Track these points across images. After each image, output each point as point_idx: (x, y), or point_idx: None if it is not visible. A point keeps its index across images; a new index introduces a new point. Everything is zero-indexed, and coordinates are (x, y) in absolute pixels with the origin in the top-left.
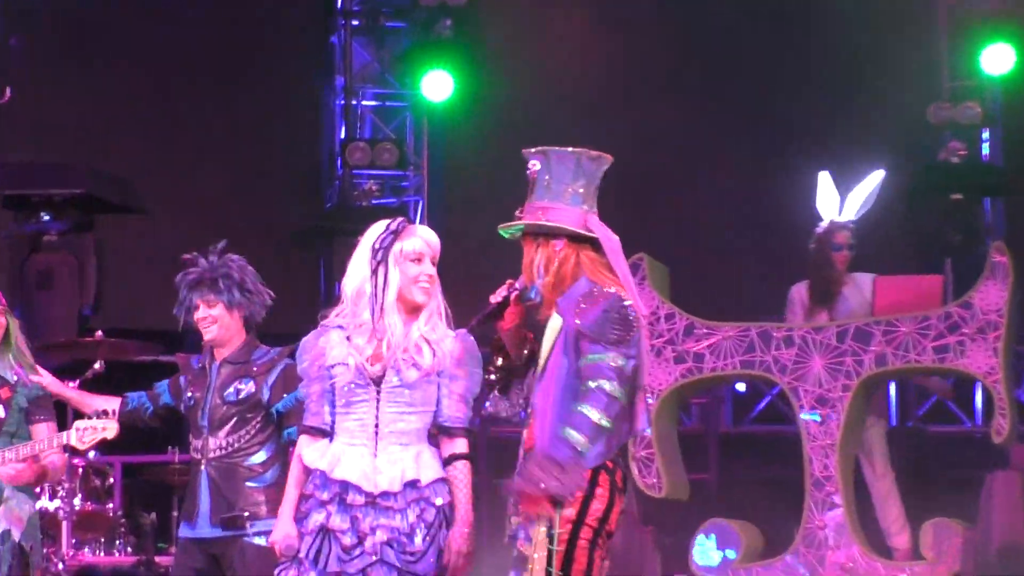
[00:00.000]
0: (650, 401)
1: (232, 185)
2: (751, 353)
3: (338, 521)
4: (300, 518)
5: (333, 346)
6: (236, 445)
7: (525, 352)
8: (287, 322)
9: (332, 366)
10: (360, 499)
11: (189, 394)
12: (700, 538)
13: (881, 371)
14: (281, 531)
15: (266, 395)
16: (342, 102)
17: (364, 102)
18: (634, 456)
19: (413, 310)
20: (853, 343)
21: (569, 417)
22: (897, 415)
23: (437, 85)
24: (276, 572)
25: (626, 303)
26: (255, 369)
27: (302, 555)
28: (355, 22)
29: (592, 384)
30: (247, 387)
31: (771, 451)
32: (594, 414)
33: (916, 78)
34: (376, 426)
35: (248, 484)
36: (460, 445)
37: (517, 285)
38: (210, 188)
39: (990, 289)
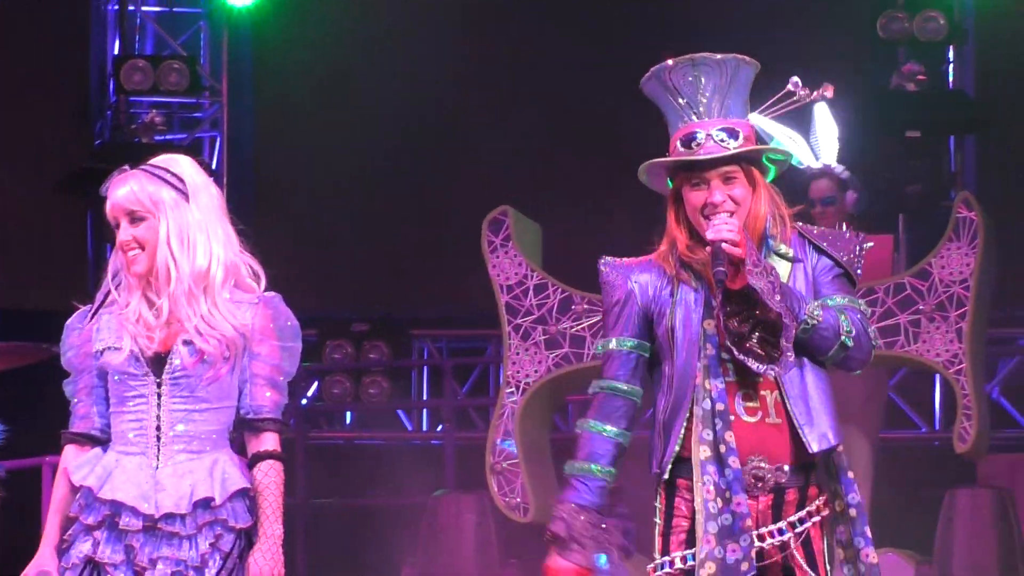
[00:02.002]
0: (513, 398)
1: None
2: None
3: (109, 552)
4: (63, 548)
5: (103, 326)
6: None
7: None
8: (42, 295)
9: (101, 351)
10: (136, 524)
11: None
12: None
13: None
14: (35, 565)
15: None
16: (115, 7)
17: (145, 8)
18: (493, 468)
19: (197, 280)
20: None
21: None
22: None
23: None
24: None
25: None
26: None
27: None
28: None
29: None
30: None
31: None
32: (863, 325)
33: None
34: (158, 428)
35: None
36: (267, 441)
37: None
38: None
39: (954, 254)
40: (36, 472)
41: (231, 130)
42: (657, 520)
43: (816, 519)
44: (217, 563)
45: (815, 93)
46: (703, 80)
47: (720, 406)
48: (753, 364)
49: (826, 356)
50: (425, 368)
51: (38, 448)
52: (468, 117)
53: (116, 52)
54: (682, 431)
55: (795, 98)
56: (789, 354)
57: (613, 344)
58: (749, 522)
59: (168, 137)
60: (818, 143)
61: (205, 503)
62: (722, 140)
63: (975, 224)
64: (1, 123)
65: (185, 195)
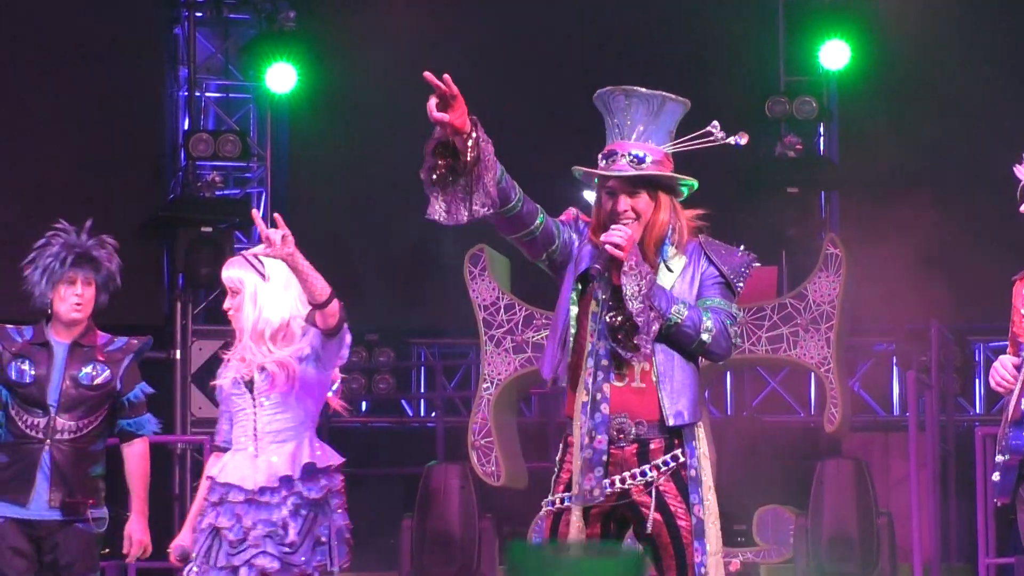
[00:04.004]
0: (489, 391)
1: (73, 174)
2: None
3: (225, 520)
4: (199, 521)
5: (226, 366)
6: (87, 430)
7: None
8: (130, 313)
9: (223, 383)
10: (240, 497)
11: (27, 368)
12: None
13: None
14: (178, 539)
15: (119, 384)
16: (185, 93)
17: (208, 94)
18: (473, 444)
19: (259, 332)
20: None
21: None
22: (732, 405)
23: (280, 77)
24: (185, 571)
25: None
26: (104, 356)
27: (194, 553)
28: (199, 13)
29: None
30: (103, 374)
31: None
32: (723, 325)
33: (753, 73)
34: (255, 429)
35: (89, 471)
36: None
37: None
38: (50, 176)
39: (824, 281)
40: None
41: (273, 186)
42: (556, 470)
43: (682, 460)
44: (297, 524)
45: (731, 138)
46: (631, 108)
47: (604, 362)
48: (620, 351)
49: (689, 348)
50: (422, 368)
51: None
52: None
53: (185, 128)
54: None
55: (712, 138)
56: (646, 348)
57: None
58: (606, 458)
59: (225, 192)
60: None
61: (287, 480)
62: (632, 161)
63: (840, 258)
64: (98, 183)
65: (264, 276)
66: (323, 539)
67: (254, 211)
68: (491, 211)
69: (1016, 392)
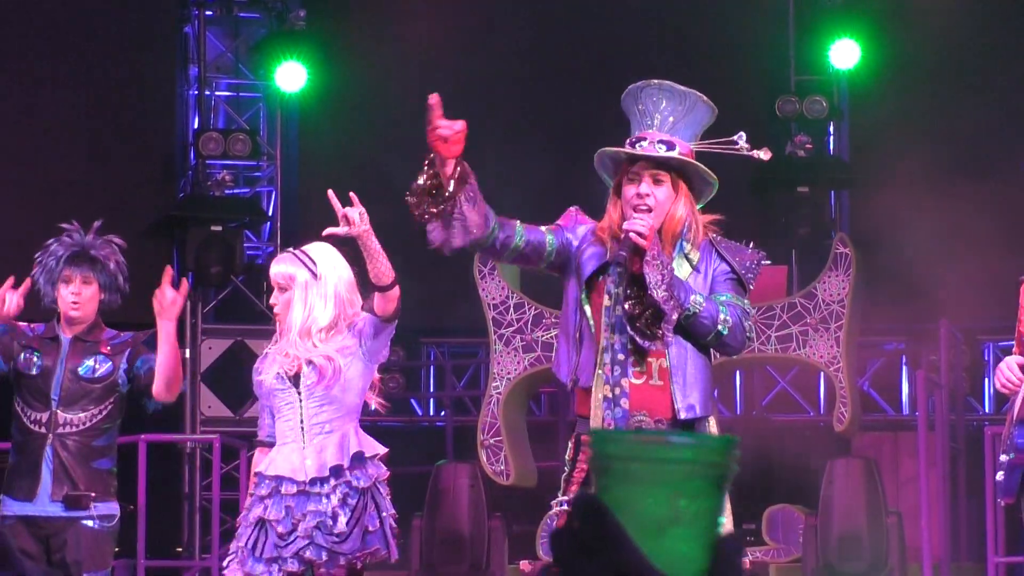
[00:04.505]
0: (498, 390)
1: (83, 173)
2: None
3: (274, 513)
4: (244, 515)
5: (266, 360)
6: (89, 424)
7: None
8: (139, 312)
9: (264, 378)
10: (292, 489)
11: (35, 359)
12: None
13: (723, 360)
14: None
15: (122, 378)
16: (195, 92)
17: (218, 92)
18: (482, 443)
19: (305, 330)
20: None
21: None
22: (742, 404)
23: (290, 76)
24: (223, 564)
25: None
26: (108, 349)
27: (241, 545)
28: (209, 12)
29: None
30: (104, 366)
31: None
32: (739, 319)
33: (764, 72)
34: (302, 422)
35: (94, 465)
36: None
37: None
38: (60, 175)
39: (833, 280)
40: (133, 447)
41: (282, 185)
42: (565, 468)
43: None
44: (346, 514)
45: (755, 151)
46: (664, 102)
47: (621, 357)
48: (639, 340)
49: (705, 340)
50: (431, 367)
51: (135, 428)
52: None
53: (195, 126)
54: (582, 358)
55: (737, 147)
56: (668, 337)
57: (544, 228)
58: None
59: (235, 191)
60: None
61: (338, 469)
62: (660, 148)
63: (849, 258)
64: (108, 181)
65: (315, 275)
66: (370, 528)
67: (330, 192)
68: (482, 233)
69: (1022, 392)
